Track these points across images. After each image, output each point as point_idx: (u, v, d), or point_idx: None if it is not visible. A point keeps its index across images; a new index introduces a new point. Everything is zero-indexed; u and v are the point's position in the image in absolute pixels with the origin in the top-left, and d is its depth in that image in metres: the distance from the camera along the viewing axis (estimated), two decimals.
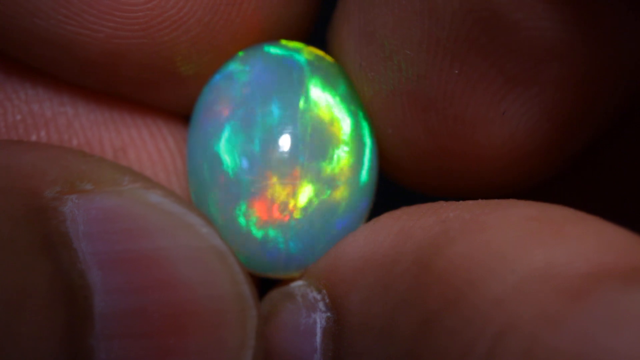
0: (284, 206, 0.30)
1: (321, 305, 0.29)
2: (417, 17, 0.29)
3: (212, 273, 0.28)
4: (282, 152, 0.30)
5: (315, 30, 0.33)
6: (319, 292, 0.29)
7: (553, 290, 0.23)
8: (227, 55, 0.31)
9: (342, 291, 0.28)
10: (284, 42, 0.32)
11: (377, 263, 0.27)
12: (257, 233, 0.30)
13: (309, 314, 0.29)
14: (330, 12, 0.32)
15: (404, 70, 0.30)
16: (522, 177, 0.32)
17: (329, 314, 0.29)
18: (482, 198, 0.34)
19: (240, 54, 0.31)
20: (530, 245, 0.24)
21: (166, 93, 0.32)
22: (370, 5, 0.30)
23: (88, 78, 0.32)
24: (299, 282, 0.30)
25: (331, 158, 0.31)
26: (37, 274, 0.25)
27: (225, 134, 0.30)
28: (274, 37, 0.32)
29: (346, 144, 0.31)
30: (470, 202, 0.27)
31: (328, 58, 0.32)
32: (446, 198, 0.34)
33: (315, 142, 0.30)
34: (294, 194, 0.30)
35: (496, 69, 0.29)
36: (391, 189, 0.34)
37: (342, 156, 0.31)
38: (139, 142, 0.33)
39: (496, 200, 0.27)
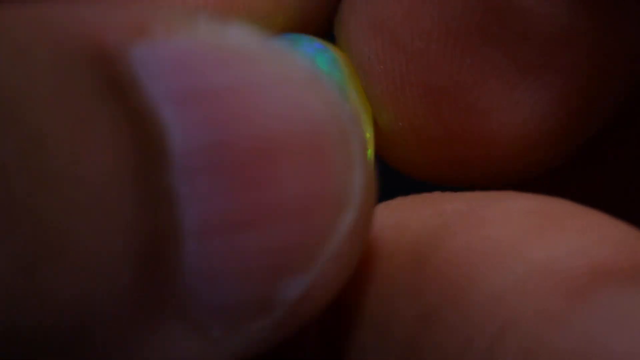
0: None
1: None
2: (427, 7, 0.29)
3: (303, 97, 0.25)
4: None
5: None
6: None
7: (554, 287, 0.22)
8: None
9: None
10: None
11: (374, 256, 0.27)
12: None
13: None
14: (337, 3, 0.32)
15: (415, 61, 0.30)
16: (533, 165, 0.32)
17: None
18: (494, 186, 0.34)
19: None
20: (531, 240, 0.23)
21: None
22: None
23: None
24: None
25: None
26: (102, 117, 0.23)
27: None
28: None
29: None
30: (468, 193, 0.27)
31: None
32: (456, 188, 0.34)
33: None
34: None
35: (508, 58, 0.29)
36: (392, 177, 0.34)
37: None
38: None
39: (494, 192, 0.26)
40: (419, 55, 0.30)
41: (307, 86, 0.25)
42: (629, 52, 0.30)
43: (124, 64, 0.24)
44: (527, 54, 0.29)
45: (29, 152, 0.22)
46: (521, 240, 0.24)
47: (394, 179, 0.34)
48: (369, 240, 0.27)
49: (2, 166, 0.22)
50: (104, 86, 0.23)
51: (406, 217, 0.27)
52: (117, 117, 0.23)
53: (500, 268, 0.23)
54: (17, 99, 0.22)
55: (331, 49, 0.32)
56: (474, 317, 0.23)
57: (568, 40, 0.29)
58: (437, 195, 0.28)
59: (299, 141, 0.25)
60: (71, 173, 0.22)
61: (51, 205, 0.22)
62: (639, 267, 0.22)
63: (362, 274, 0.27)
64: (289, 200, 0.24)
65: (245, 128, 0.24)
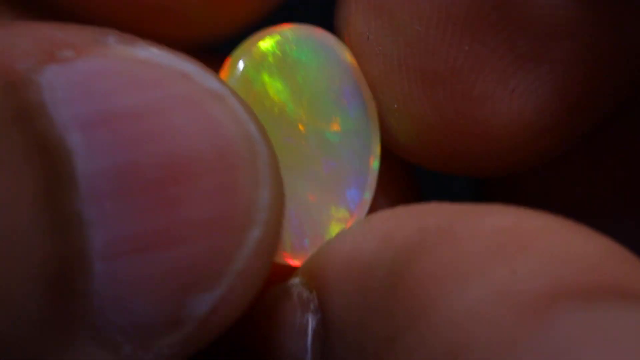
0: None
1: (312, 306, 0.28)
2: None
3: (211, 116, 0.26)
4: None
5: (324, 5, 0.33)
6: (311, 292, 0.29)
7: (509, 309, 0.22)
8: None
9: (327, 294, 0.28)
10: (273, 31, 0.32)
11: (359, 268, 0.27)
12: None
13: (303, 314, 0.28)
14: None
15: (413, 44, 0.30)
16: (530, 156, 0.32)
17: (318, 315, 0.28)
18: (489, 175, 0.34)
19: None
20: (495, 261, 0.23)
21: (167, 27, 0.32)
22: None
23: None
24: (296, 280, 0.30)
25: None
26: (8, 145, 0.23)
27: None
28: None
29: None
30: (455, 207, 0.27)
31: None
32: (453, 175, 0.34)
33: None
34: None
35: (506, 46, 0.29)
36: None
37: None
38: None
39: (477, 207, 0.26)
40: (417, 39, 0.29)
41: (213, 106, 0.26)
42: (629, 47, 0.30)
43: (32, 90, 0.24)
44: (525, 44, 0.29)
45: None
46: (486, 261, 0.24)
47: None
48: (358, 251, 0.27)
49: None
50: (12, 113, 0.24)
51: (391, 230, 0.27)
52: (25, 144, 0.24)
53: (461, 290, 0.23)
54: None
55: (326, 37, 0.32)
56: (431, 341, 0.23)
57: (567, 32, 0.29)
58: (426, 207, 0.28)
59: (205, 161, 0.25)
60: None
61: None
62: (604, 286, 0.22)
63: (346, 285, 0.27)
64: (195, 221, 0.25)
65: (150, 150, 0.25)
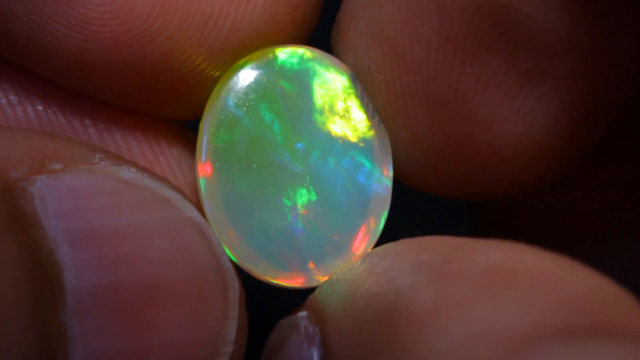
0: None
1: (317, 340, 0.29)
2: (425, 15, 0.29)
3: (189, 245, 0.27)
4: None
5: (320, 33, 0.33)
6: (315, 326, 0.29)
7: (488, 349, 0.22)
8: (202, 71, 0.31)
9: (329, 329, 0.28)
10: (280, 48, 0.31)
11: (355, 307, 0.27)
12: None
13: (309, 347, 0.29)
14: (333, 14, 0.32)
15: (415, 70, 0.29)
16: (538, 176, 0.32)
17: (322, 350, 0.29)
18: (497, 199, 0.34)
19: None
20: (479, 300, 0.24)
21: (144, 102, 0.32)
22: (376, 5, 0.30)
23: (67, 83, 0.32)
24: (304, 313, 0.30)
25: None
26: (3, 253, 0.25)
27: None
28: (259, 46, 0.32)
29: None
30: (452, 242, 0.27)
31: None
32: (462, 200, 0.34)
33: None
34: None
35: (508, 65, 0.29)
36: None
37: None
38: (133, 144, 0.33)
39: (475, 243, 0.26)
40: (418, 64, 0.29)
41: (192, 235, 0.28)
42: (629, 61, 0.30)
43: (24, 198, 0.26)
44: (527, 61, 0.29)
45: None
46: (470, 300, 0.24)
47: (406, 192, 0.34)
48: (355, 290, 0.28)
49: None
50: (6, 219, 0.25)
51: (387, 269, 0.27)
52: (18, 251, 0.25)
53: (443, 331, 0.23)
54: None
55: (328, 60, 0.31)
56: None
57: (568, 47, 0.29)
58: (423, 243, 0.28)
59: (180, 289, 0.27)
60: None
61: None
62: (586, 324, 0.22)
63: (345, 322, 0.27)
64: (167, 347, 0.26)
65: (131, 272, 0.26)
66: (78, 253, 0.26)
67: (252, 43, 0.31)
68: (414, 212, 0.29)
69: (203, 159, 0.31)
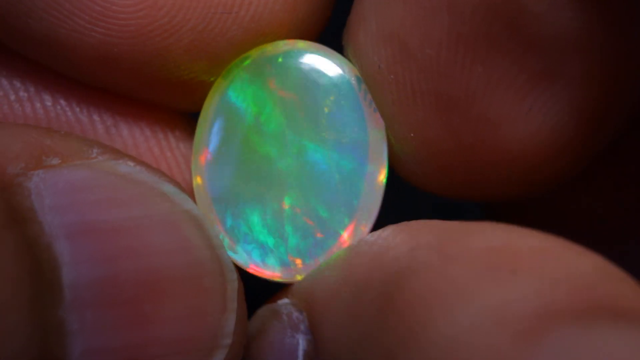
0: None
1: (303, 326, 0.29)
2: (436, 15, 0.29)
3: (187, 238, 0.28)
4: None
5: (332, 34, 0.33)
6: (301, 313, 0.29)
7: (504, 331, 0.22)
8: (224, 62, 0.31)
9: (318, 315, 0.28)
10: (282, 43, 0.31)
11: (350, 291, 0.27)
12: None
13: (293, 334, 0.29)
14: (345, 15, 0.32)
15: (425, 69, 0.29)
16: (547, 177, 0.31)
17: (309, 336, 0.29)
18: (506, 200, 0.34)
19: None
20: (485, 283, 0.23)
21: (164, 95, 0.32)
22: (387, 5, 0.30)
23: (84, 77, 0.32)
24: (286, 300, 0.30)
25: None
26: (0, 249, 0.25)
27: None
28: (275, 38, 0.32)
29: None
30: (446, 225, 0.27)
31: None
32: (470, 201, 0.34)
33: None
34: None
35: (519, 65, 0.29)
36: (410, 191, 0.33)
37: None
38: (140, 139, 0.33)
39: (468, 225, 0.26)
40: (429, 64, 0.29)
41: (190, 228, 0.28)
42: (637, 60, 0.30)
43: (21, 194, 0.26)
44: (538, 60, 0.29)
45: None
46: (476, 283, 0.23)
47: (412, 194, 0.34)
48: (349, 273, 0.28)
49: None
50: (3, 215, 0.25)
51: (382, 252, 0.27)
52: (16, 246, 0.25)
53: (452, 313, 0.23)
54: None
55: (338, 59, 0.32)
56: None
57: (579, 46, 0.28)
58: (416, 226, 0.28)
59: (178, 282, 0.27)
60: None
61: None
62: (598, 306, 0.22)
63: (337, 307, 0.27)
64: (164, 340, 0.27)
65: (129, 266, 0.26)
66: (75, 248, 0.26)
67: (273, 32, 0.31)
68: (427, 215, 0.29)
69: (199, 150, 0.31)
